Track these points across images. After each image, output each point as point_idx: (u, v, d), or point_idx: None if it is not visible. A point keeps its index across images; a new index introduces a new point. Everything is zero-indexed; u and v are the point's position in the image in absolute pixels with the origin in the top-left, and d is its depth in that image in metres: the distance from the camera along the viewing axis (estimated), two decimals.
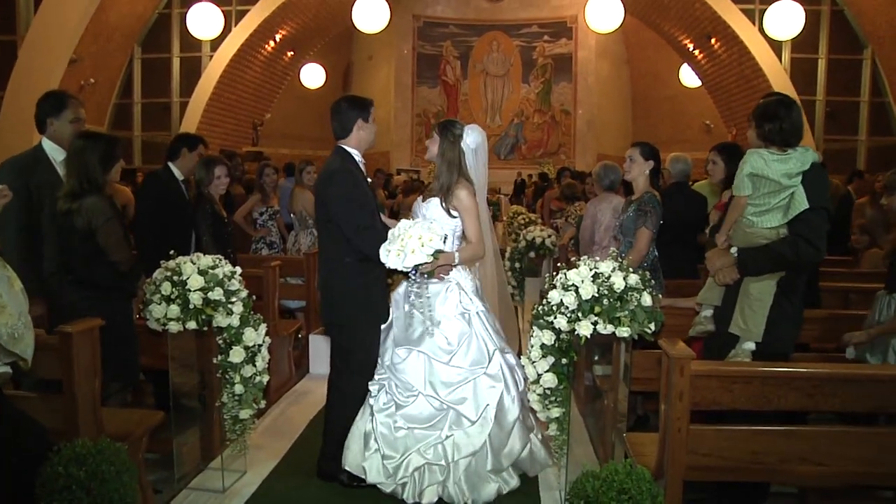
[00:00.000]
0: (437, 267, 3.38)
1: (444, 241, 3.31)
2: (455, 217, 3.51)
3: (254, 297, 3.70)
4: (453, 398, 3.33)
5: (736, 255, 3.10)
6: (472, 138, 3.65)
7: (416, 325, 3.48)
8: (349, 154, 3.57)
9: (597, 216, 5.49)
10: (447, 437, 3.32)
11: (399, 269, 3.22)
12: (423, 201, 3.67)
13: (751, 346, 3.05)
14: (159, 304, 3.38)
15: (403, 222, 3.24)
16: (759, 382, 2.70)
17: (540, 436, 3.58)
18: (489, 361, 3.39)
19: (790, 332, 3.11)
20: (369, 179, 3.69)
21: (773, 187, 2.99)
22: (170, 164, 4.78)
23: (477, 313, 3.47)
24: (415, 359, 3.41)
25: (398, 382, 3.41)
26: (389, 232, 3.26)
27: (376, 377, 3.52)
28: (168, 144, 4.98)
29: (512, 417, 3.38)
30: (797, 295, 3.10)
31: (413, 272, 3.31)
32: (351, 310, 3.52)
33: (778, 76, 14.78)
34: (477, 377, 3.36)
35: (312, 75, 18.17)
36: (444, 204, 3.52)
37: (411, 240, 3.14)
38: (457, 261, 3.46)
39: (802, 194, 2.95)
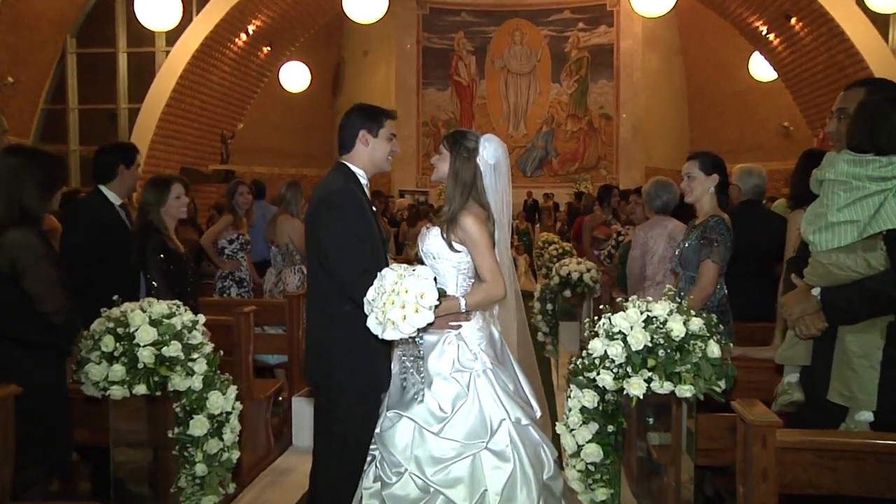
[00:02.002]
0: (444, 319, 3.31)
1: (442, 297, 3.21)
2: (459, 251, 3.46)
3: (221, 352, 3.67)
4: (441, 479, 3.22)
5: (819, 297, 2.91)
6: (491, 151, 3.58)
7: (410, 384, 3.41)
8: (352, 173, 3.56)
9: (648, 245, 5.45)
10: None
11: (380, 336, 3.15)
12: (426, 228, 3.64)
13: (867, 416, 2.82)
14: (99, 363, 3.33)
15: (389, 273, 3.12)
16: (873, 460, 2.56)
17: None
18: (492, 434, 3.28)
19: None
20: (374, 208, 3.66)
21: (846, 190, 2.77)
22: (102, 187, 4.76)
23: (484, 372, 3.38)
24: (403, 427, 3.33)
25: (385, 455, 3.34)
26: (374, 283, 3.16)
27: (369, 449, 3.47)
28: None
29: None
30: None
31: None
32: (345, 372, 3.47)
33: (882, 60, 14.21)
34: (476, 453, 3.25)
35: (295, 76, 18.34)
36: (444, 234, 3.48)
37: (393, 309, 3.02)
38: (464, 307, 3.39)
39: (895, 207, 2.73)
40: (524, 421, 3.34)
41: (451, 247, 3.45)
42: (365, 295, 3.18)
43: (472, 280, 3.53)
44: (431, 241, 3.52)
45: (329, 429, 3.53)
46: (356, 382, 3.46)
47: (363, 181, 3.59)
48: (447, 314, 3.33)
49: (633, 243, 5.74)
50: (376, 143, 3.58)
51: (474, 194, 3.52)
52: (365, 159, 3.59)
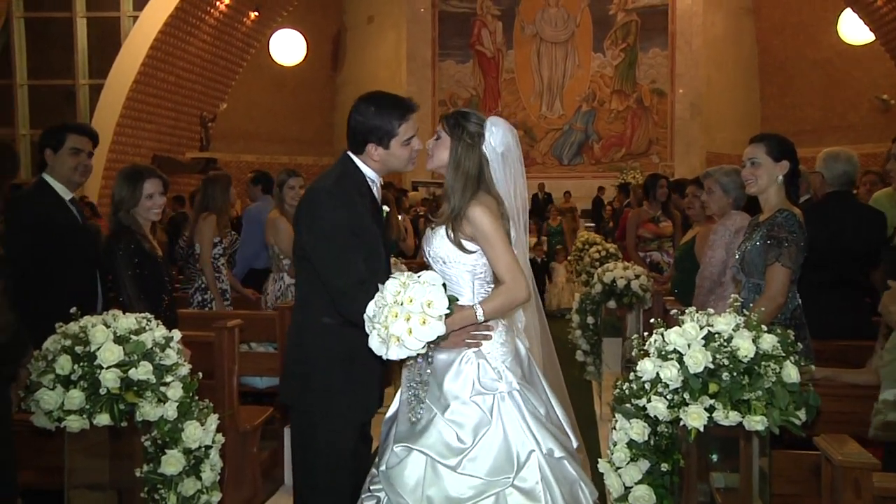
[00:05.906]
0: (459, 335, 3.33)
1: (452, 305, 3.20)
2: (472, 251, 3.47)
3: (200, 374, 3.67)
4: None
5: None
6: (500, 137, 3.60)
7: (422, 410, 3.42)
8: (356, 168, 3.57)
9: (731, 245, 5.42)
10: None
11: (384, 357, 3.14)
12: (431, 229, 3.64)
13: None
14: (53, 388, 3.33)
15: (391, 283, 3.13)
16: None
17: None
18: (519, 468, 3.28)
19: None
20: (386, 208, 3.68)
21: None
22: (45, 176, 4.73)
23: (509, 394, 3.39)
24: (413, 462, 3.34)
25: (392, 497, 3.34)
26: (376, 296, 3.16)
27: (371, 488, 3.47)
28: None
29: None
30: None
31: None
32: (319, 392, 3.50)
33: None
34: (501, 491, 3.25)
35: (287, 47, 18.45)
36: (450, 234, 3.48)
37: (396, 322, 3.02)
38: (481, 316, 3.39)
39: None
40: (558, 453, 3.35)
41: (461, 247, 3.46)
42: (357, 310, 3.20)
43: (492, 286, 3.54)
44: (438, 243, 3.52)
45: (309, 463, 3.56)
46: (333, 408, 3.49)
47: (369, 178, 3.59)
48: (462, 327, 3.33)
49: (712, 242, 5.70)
50: (387, 154, 3.55)
51: (483, 186, 3.53)
52: (376, 166, 3.59)
